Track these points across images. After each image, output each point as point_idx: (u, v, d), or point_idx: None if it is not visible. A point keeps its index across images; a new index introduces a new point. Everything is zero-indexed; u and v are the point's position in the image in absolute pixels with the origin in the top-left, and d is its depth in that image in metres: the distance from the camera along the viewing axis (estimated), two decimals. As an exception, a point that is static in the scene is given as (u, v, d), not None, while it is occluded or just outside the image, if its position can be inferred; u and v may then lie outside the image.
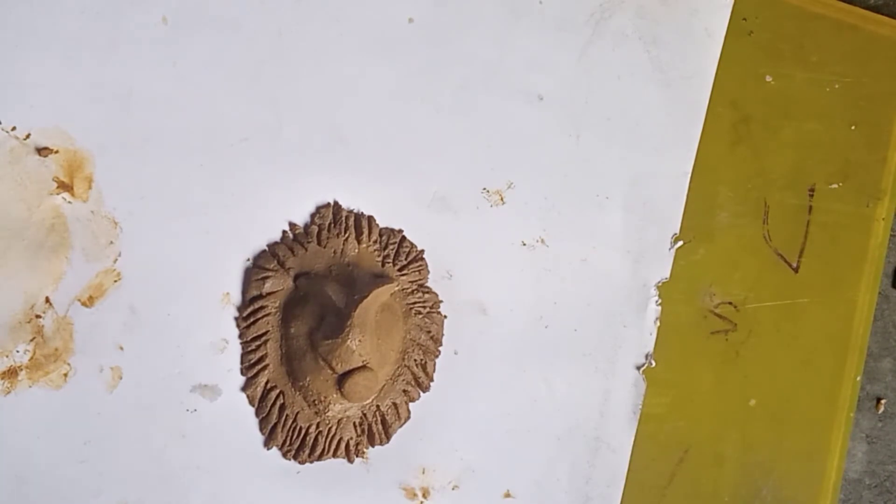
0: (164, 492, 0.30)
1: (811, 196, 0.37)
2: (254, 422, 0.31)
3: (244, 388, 0.31)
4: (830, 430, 0.37)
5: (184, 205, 0.31)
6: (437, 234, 0.33)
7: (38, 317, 0.30)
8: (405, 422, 0.32)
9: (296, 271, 0.31)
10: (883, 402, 0.39)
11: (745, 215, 0.36)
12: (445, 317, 0.33)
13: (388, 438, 0.32)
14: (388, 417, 0.32)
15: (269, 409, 0.31)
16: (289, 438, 0.31)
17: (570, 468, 0.34)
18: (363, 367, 0.30)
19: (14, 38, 0.30)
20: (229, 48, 0.32)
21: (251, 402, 0.31)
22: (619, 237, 0.35)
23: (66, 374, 0.30)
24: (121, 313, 0.30)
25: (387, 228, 0.33)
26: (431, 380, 0.33)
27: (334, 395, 0.30)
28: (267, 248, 0.32)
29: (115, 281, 0.30)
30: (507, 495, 0.34)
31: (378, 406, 0.32)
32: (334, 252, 0.32)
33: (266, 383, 0.31)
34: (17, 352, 0.29)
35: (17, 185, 0.30)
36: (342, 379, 0.30)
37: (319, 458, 0.31)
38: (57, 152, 0.30)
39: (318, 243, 0.32)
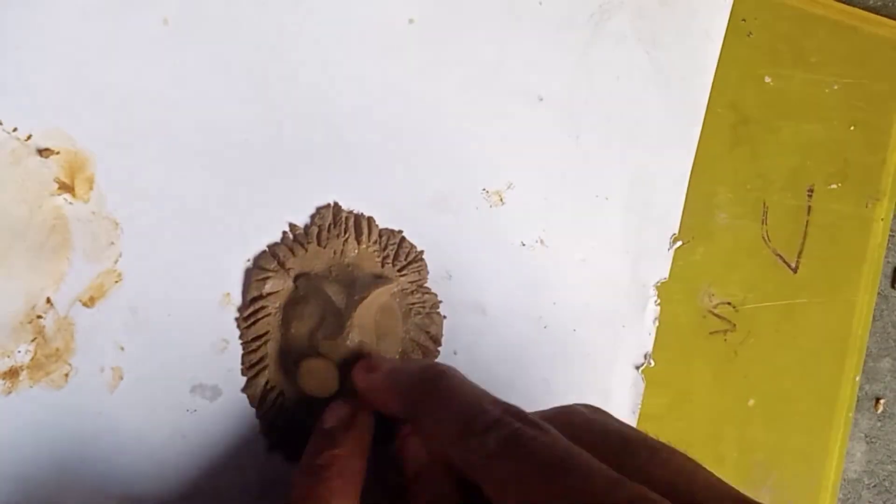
0: (164, 492, 0.30)
1: (810, 196, 0.37)
2: (254, 422, 0.31)
3: (244, 389, 0.31)
4: (829, 429, 0.37)
5: (184, 206, 0.31)
6: (436, 234, 0.33)
7: (39, 317, 0.30)
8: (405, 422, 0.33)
9: (296, 272, 0.32)
10: (882, 401, 0.39)
11: (743, 216, 0.36)
12: (445, 317, 0.33)
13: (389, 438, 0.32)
14: (387, 417, 0.32)
15: (270, 409, 0.31)
16: (289, 439, 0.31)
17: (570, 468, 0.34)
18: (363, 368, 0.30)
19: (14, 39, 0.30)
20: (229, 49, 0.32)
21: (251, 402, 0.31)
22: (618, 237, 0.35)
23: (67, 375, 0.30)
24: (122, 314, 0.30)
25: (386, 229, 0.33)
26: (431, 380, 0.33)
27: (334, 396, 0.31)
28: (267, 249, 0.32)
29: (116, 282, 0.30)
30: (507, 495, 0.34)
31: (378, 406, 0.32)
32: (334, 253, 0.32)
33: (266, 383, 0.31)
34: (19, 352, 0.30)
35: (19, 186, 0.30)
36: (342, 379, 0.30)
37: (319, 457, 0.31)
38: (58, 153, 0.30)
39: (318, 244, 0.32)
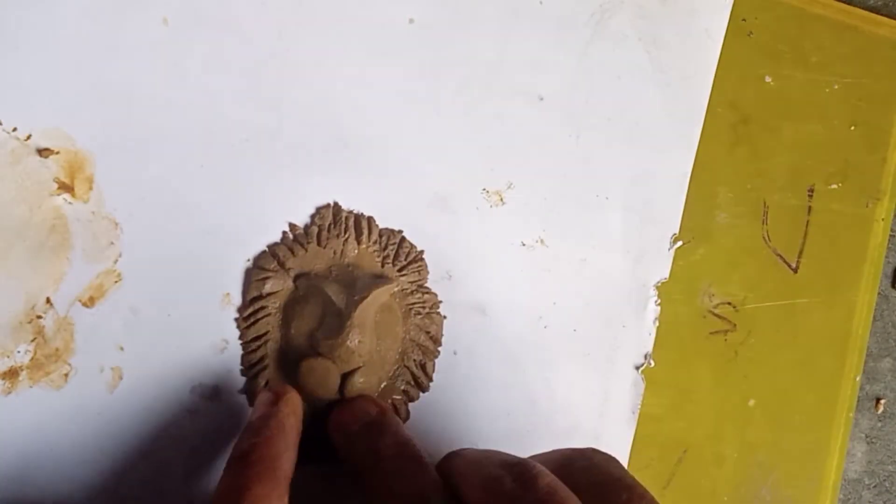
0: (164, 492, 0.30)
1: (810, 196, 0.37)
2: (254, 422, 0.31)
3: (244, 389, 0.31)
4: (830, 430, 0.37)
5: (184, 205, 0.31)
6: (436, 234, 0.33)
7: (39, 317, 0.30)
8: (404, 422, 0.33)
9: (296, 272, 0.32)
10: (882, 402, 0.39)
11: (744, 216, 0.36)
12: (445, 317, 0.33)
13: (388, 438, 0.32)
14: (387, 417, 0.32)
15: (269, 409, 0.31)
16: (289, 438, 0.31)
17: (570, 468, 0.34)
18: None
19: (14, 39, 0.30)
20: (230, 49, 0.32)
21: (251, 403, 0.31)
22: (618, 237, 0.35)
23: (66, 375, 0.30)
24: (121, 314, 0.30)
25: (386, 229, 0.33)
26: (431, 380, 0.33)
27: (334, 396, 0.31)
28: (267, 249, 0.32)
29: (116, 282, 0.30)
30: (507, 495, 0.34)
31: (378, 406, 0.32)
32: (334, 253, 0.32)
33: (266, 383, 0.31)
34: (19, 352, 0.30)
35: (18, 185, 0.30)
36: (342, 379, 0.30)
37: (319, 458, 0.31)
38: (58, 153, 0.30)
39: (318, 244, 0.32)
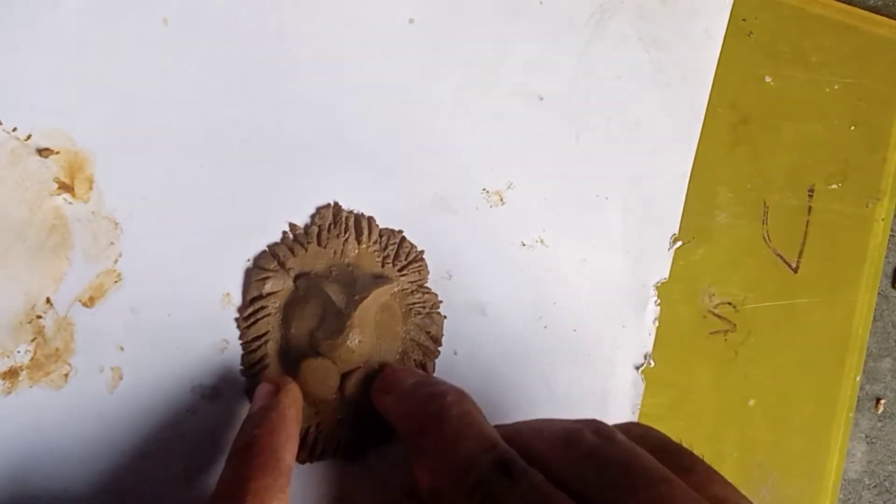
0: (164, 492, 0.30)
1: (810, 196, 0.37)
2: (254, 422, 0.31)
3: (244, 389, 0.31)
4: (830, 430, 0.37)
5: (184, 205, 0.31)
6: (436, 234, 0.33)
7: (39, 317, 0.30)
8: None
9: (296, 272, 0.32)
10: (882, 402, 0.39)
11: (744, 216, 0.36)
12: (445, 317, 0.33)
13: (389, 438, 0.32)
14: (387, 417, 0.32)
15: (269, 409, 0.31)
16: (289, 438, 0.31)
17: (570, 468, 0.34)
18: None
19: (14, 39, 0.30)
20: (230, 49, 0.32)
21: (251, 403, 0.31)
22: (618, 237, 0.35)
23: (66, 375, 0.30)
24: (121, 314, 0.30)
25: (387, 229, 0.33)
26: (431, 380, 0.33)
27: (334, 396, 0.31)
28: (267, 249, 0.32)
29: (116, 282, 0.30)
30: (507, 495, 0.34)
31: (378, 406, 0.32)
32: (334, 253, 0.32)
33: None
34: (19, 352, 0.30)
35: (18, 185, 0.30)
36: (342, 379, 0.30)
37: (320, 457, 0.31)
38: (58, 153, 0.30)
39: (319, 244, 0.32)
